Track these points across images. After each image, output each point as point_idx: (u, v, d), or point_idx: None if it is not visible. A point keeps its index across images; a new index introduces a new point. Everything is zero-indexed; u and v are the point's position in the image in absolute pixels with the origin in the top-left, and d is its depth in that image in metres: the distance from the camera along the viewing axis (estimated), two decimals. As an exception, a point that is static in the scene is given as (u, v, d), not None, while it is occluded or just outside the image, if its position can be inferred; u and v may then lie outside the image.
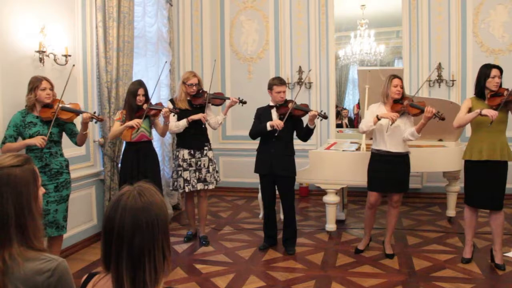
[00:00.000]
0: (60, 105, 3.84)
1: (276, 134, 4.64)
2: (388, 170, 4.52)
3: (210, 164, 5.11)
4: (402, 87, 4.50)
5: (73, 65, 4.40)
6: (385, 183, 4.58)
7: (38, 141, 3.64)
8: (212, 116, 5.18)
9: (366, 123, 4.54)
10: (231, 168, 7.94)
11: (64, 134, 4.04)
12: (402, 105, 4.43)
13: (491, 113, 3.91)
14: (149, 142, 4.85)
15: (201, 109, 5.02)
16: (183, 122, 4.95)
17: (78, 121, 4.09)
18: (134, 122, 4.52)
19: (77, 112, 3.95)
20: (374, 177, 4.65)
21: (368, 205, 4.75)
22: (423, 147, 5.54)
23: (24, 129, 3.74)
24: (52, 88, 3.86)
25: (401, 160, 4.55)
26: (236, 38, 7.95)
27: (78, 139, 4.03)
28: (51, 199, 3.77)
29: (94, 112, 4.11)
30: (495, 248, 4.29)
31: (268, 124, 4.70)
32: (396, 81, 4.48)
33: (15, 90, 3.99)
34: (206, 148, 5.10)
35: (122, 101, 5.03)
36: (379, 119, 4.41)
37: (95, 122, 4.25)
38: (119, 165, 5.08)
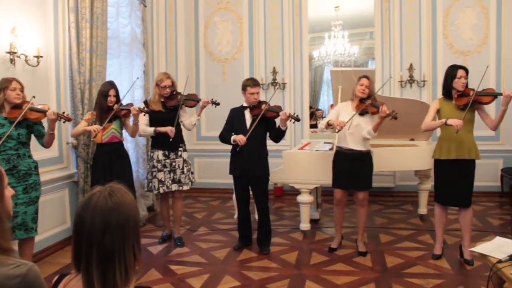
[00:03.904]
0: (29, 106, 3.79)
1: (237, 149, 4.70)
2: (350, 167, 4.64)
3: (185, 165, 5.10)
4: (367, 87, 4.61)
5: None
6: (347, 180, 4.69)
7: None
8: (187, 117, 5.17)
9: (323, 122, 4.79)
10: (206, 169, 7.95)
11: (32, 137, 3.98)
12: (364, 104, 4.55)
13: (456, 122, 4.04)
14: (120, 143, 4.82)
15: (175, 111, 4.99)
16: (150, 130, 4.95)
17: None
18: (93, 127, 4.48)
19: (44, 112, 3.87)
20: (337, 174, 4.77)
21: (335, 202, 4.88)
22: (395, 147, 5.64)
23: None
24: (22, 89, 3.81)
25: (363, 158, 4.67)
26: (211, 39, 7.95)
27: (45, 140, 3.97)
28: (20, 201, 3.70)
29: (63, 112, 4.05)
30: (464, 244, 4.41)
31: (232, 138, 4.76)
32: (362, 81, 4.63)
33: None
34: (180, 149, 5.10)
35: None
36: (330, 125, 4.63)
37: (64, 122, 4.15)
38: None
